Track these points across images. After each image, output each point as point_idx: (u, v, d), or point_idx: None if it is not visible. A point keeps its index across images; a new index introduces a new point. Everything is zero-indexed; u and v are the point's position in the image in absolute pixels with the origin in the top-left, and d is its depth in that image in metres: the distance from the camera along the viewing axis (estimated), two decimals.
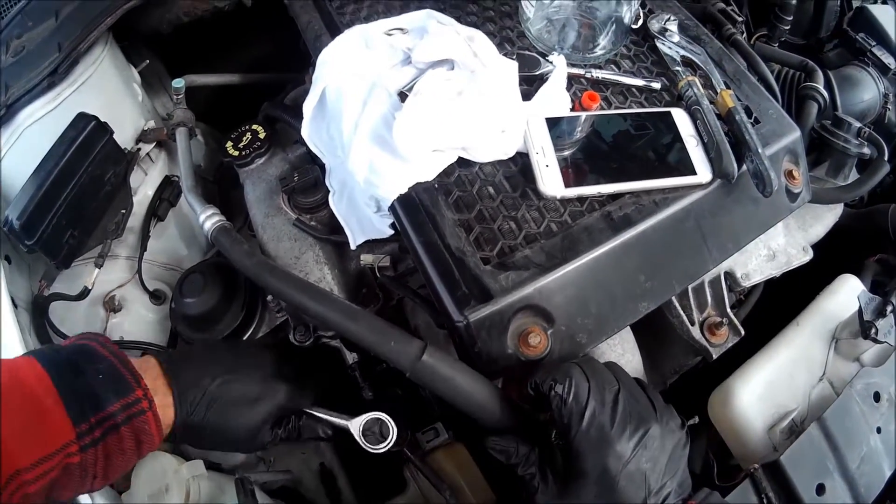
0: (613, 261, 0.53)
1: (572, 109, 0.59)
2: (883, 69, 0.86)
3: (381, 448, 0.52)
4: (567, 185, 0.53)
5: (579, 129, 0.58)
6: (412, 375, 0.48)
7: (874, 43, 0.88)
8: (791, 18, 0.84)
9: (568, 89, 0.61)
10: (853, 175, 0.79)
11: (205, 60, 0.87)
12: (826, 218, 0.77)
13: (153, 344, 0.69)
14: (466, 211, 0.53)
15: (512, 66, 0.57)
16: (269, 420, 0.54)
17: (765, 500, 0.56)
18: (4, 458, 0.40)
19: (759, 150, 0.57)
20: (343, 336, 0.54)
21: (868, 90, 0.85)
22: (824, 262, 0.76)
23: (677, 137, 0.59)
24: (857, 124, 0.76)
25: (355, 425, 0.52)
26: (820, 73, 0.79)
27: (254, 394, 0.53)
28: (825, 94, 0.77)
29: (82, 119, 0.64)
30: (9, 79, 0.66)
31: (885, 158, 0.74)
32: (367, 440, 0.52)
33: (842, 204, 0.79)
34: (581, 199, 0.54)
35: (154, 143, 0.74)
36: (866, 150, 0.75)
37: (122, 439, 0.45)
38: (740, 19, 0.79)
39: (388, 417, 0.52)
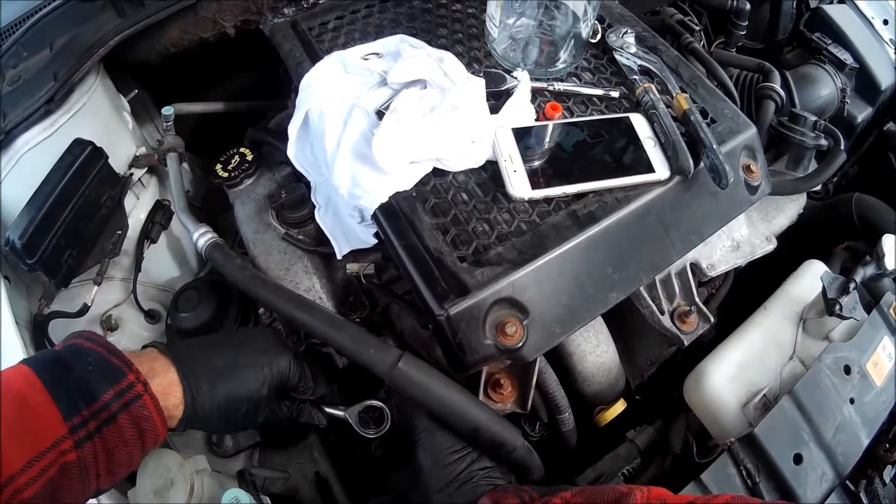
0: (581, 255, 0.62)
1: (537, 120, 0.69)
2: (839, 65, 0.98)
3: (378, 433, 0.59)
4: (534, 187, 0.62)
5: (544, 137, 0.67)
6: (389, 381, 0.57)
7: (829, 41, 0.99)
8: (746, 24, 0.95)
9: (533, 102, 0.71)
10: (813, 167, 0.89)
11: (188, 91, 0.96)
12: (789, 210, 0.86)
13: None
14: (442, 216, 0.62)
15: (479, 83, 0.67)
16: (273, 381, 0.57)
17: (744, 472, 0.63)
18: None
19: (714, 146, 0.66)
20: (328, 344, 0.62)
21: (825, 86, 0.96)
22: (794, 254, 0.86)
23: (636, 140, 0.68)
24: (813, 118, 0.86)
25: (352, 413, 0.60)
26: (776, 74, 0.90)
27: (259, 349, 0.59)
28: (782, 92, 0.88)
29: (79, 144, 0.71)
30: (6, 106, 0.72)
31: (841, 147, 0.84)
32: (363, 427, 0.60)
33: (805, 196, 0.89)
34: (548, 200, 0.64)
35: (145, 169, 0.84)
36: (823, 142, 0.86)
37: (122, 430, 0.47)
38: (697, 28, 0.91)
39: (383, 404, 0.60)
